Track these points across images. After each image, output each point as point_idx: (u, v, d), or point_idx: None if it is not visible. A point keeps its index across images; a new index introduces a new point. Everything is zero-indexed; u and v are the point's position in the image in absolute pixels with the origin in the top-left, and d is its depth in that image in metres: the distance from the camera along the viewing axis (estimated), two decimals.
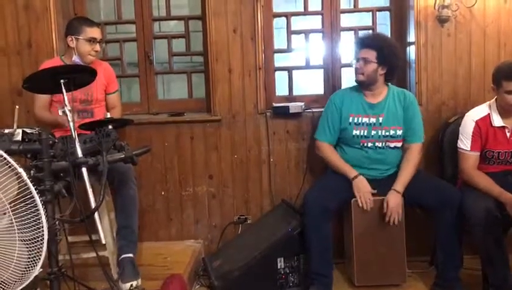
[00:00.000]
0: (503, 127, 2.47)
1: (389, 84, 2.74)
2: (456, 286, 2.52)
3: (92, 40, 2.63)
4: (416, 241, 2.78)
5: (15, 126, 1.81)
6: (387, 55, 2.61)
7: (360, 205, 2.56)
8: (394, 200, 2.53)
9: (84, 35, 2.62)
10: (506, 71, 2.39)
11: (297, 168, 3.09)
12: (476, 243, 2.38)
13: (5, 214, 1.52)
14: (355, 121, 2.67)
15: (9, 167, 1.54)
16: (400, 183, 2.58)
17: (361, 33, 3.07)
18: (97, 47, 2.66)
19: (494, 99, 2.51)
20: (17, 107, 1.89)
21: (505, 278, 2.32)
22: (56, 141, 1.90)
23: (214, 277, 2.67)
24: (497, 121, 2.48)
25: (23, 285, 1.59)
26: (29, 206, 1.47)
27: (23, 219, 1.48)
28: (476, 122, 2.50)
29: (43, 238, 1.51)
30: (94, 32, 2.65)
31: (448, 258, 2.53)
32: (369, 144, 2.66)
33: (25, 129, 1.80)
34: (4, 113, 2.98)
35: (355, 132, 2.66)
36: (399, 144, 2.69)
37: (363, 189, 2.57)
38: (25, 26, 2.96)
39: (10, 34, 2.97)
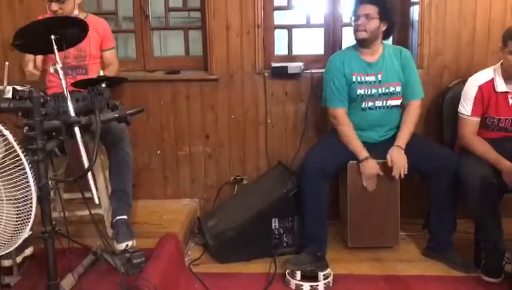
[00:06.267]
0: (506, 92, 2.42)
1: (383, 41, 2.67)
2: (448, 250, 2.54)
3: None
4: (411, 204, 2.77)
5: (5, 83, 1.76)
6: (389, 10, 2.54)
7: (365, 185, 2.56)
8: (398, 154, 2.51)
9: None
10: None
11: (294, 131, 3.05)
12: (470, 208, 2.39)
13: None
14: (359, 79, 2.61)
15: None
16: (401, 139, 2.56)
17: None
18: (53, 6, 2.48)
19: (499, 63, 2.45)
20: (7, 63, 1.83)
21: (497, 244, 2.34)
22: (48, 99, 1.86)
23: (208, 237, 2.69)
24: (501, 86, 2.43)
25: (14, 246, 1.59)
26: (17, 168, 1.44)
27: (10, 178, 1.45)
28: (479, 87, 2.45)
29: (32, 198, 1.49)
30: None
31: (442, 223, 2.55)
32: (370, 104, 2.62)
33: (15, 86, 1.75)
34: None
35: (360, 91, 2.60)
36: (398, 102, 2.64)
37: (369, 171, 2.53)
38: None
39: None
